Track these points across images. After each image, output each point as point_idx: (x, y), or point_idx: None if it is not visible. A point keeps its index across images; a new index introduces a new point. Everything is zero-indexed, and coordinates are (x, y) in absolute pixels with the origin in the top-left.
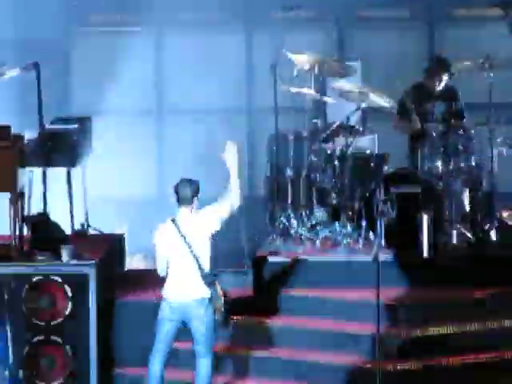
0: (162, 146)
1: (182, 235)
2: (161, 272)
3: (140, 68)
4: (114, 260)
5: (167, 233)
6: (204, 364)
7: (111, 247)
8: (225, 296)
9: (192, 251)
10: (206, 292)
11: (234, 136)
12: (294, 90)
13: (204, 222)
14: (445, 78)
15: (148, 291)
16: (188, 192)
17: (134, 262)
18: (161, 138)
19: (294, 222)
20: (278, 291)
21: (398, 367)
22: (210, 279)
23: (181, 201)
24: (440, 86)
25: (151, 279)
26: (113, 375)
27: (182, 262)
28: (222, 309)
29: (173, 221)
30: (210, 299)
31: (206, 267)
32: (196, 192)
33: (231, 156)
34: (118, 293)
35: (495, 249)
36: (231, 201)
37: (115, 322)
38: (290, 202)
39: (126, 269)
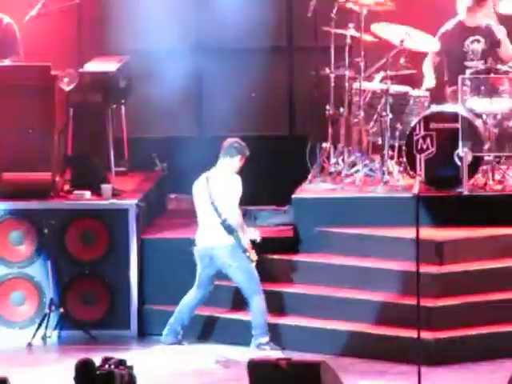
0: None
1: (208, 187)
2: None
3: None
4: (155, 199)
5: (199, 184)
6: (253, 303)
7: (152, 186)
8: (253, 242)
9: (213, 201)
10: (227, 239)
11: (275, 74)
12: (334, 30)
13: (229, 184)
14: (482, 14)
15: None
16: (231, 148)
17: (172, 201)
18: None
19: (333, 159)
20: (317, 229)
21: (439, 304)
22: (228, 226)
23: (223, 154)
24: (477, 23)
25: (191, 217)
26: (149, 311)
27: (205, 211)
28: (251, 254)
29: (206, 176)
30: (235, 245)
31: (228, 215)
32: (239, 152)
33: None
34: (159, 231)
35: None
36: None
37: (154, 260)
38: (329, 140)
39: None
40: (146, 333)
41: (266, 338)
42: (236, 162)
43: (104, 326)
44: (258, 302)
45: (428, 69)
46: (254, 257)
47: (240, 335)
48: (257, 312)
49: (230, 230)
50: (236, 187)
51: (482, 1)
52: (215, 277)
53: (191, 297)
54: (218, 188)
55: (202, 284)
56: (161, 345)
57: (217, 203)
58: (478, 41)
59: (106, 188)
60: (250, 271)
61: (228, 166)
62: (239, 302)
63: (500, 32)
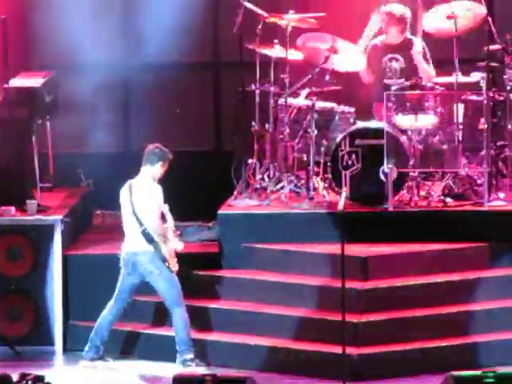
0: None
1: (130, 195)
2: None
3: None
4: (80, 215)
5: (123, 191)
6: (175, 315)
7: (77, 201)
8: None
9: (134, 208)
10: (148, 246)
11: (201, 90)
12: (259, 48)
13: (150, 194)
14: (397, 31)
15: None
16: (153, 154)
17: (98, 217)
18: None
19: (259, 176)
20: (243, 245)
21: (363, 319)
22: (148, 235)
23: (144, 161)
24: (397, 42)
25: (116, 233)
26: (72, 327)
27: (128, 218)
28: (170, 264)
29: (130, 181)
30: (156, 254)
31: (147, 224)
32: (160, 158)
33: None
34: (84, 247)
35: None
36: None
37: (79, 276)
38: (255, 156)
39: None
40: (71, 349)
41: (191, 355)
42: (158, 169)
43: (29, 342)
44: (179, 314)
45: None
46: (174, 267)
47: (164, 351)
48: (179, 325)
49: (149, 238)
50: (156, 196)
51: (399, 19)
52: (136, 288)
53: (109, 311)
54: (139, 196)
55: (121, 295)
56: (85, 361)
57: (137, 212)
58: (397, 59)
59: (31, 204)
60: (172, 281)
61: (149, 174)
62: (163, 317)
63: (417, 54)
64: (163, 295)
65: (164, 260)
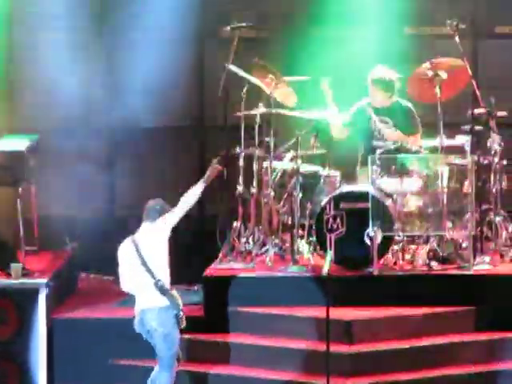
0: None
1: (137, 249)
2: (123, 287)
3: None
4: (65, 278)
5: (126, 249)
6: (162, 378)
7: (62, 265)
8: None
9: (146, 264)
10: (160, 301)
11: (186, 153)
12: (242, 112)
13: (158, 232)
14: (383, 95)
15: (99, 309)
16: (154, 210)
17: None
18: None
19: (243, 238)
20: (228, 309)
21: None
22: (162, 287)
23: (146, 216)
24: (384, 104)
25: (102, 296)
26: None
27: (138, 276)
28: (182, 317)
29: (131, 237)
30: (167, 309)
31: (160, 276)
32: (161, 212)
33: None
34: (69, 311)
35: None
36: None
37: (64, 340)
38: (240, 219)
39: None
40: None
41: None
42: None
43: None
44: (168, 379)
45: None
46: (184, 321)
47: None
48: None
49: (163, 290)
50: (165, 246)
51: (380, 84)
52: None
53: (155, 377)
54: (149, 248)
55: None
56: None
57: (149, 263)
58: (386, 122)
59: (15, 267)
60: (174, 341)
61: (152, 229)
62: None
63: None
64: (160, 354)
65: (179, 310)
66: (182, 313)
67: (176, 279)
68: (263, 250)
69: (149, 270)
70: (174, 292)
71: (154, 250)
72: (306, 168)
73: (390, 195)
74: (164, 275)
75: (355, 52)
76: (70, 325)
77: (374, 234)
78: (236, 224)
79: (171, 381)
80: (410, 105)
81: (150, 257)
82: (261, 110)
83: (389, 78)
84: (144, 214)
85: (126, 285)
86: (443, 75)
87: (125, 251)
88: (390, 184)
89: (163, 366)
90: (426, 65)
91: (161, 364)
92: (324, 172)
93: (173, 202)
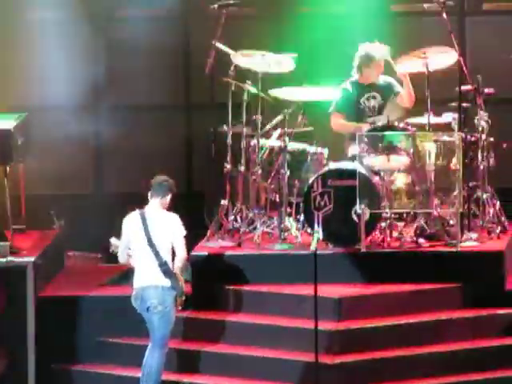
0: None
1: (144, 225)
2: (121, 259)
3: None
4: (53, 256)
5: (133, 222)
6: (154, 356)
7: (50, 243)
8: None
9: (151, 241)
10: (163, 281)
11: (173, 132)
12: (233, 84)
13: (169, 224)
14: (373, 71)
15: (86, 287)
16: (163, 186)
17: (70, 258)
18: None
19: (231, 217)
20: (217, 287)
21: (337, 361)
22: (167, 269)
23: (154, 192)
24: (372, 80)
25: (89, 274)
26: (54, 371)
27: (143, 251)
28: (183, 299)
29: (140, 211)
30: (169, 289)
31: (165, 257)
32: (170, 189)
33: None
34: (57, 289)
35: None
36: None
37: (52, 317)
38: (227, 197)
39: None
40: None
41: None
42: (167, 200)
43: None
44: (161, 356)
45: (341, 124)
46: (183, 304)
47: None
48: (156, 367)
49: (168, 271)
50: (181, 227)
51: (369, 60)
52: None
53: (150, 355)
54: (159, 228)
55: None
56: None
57: (156, 245)
58: (374, 97)
59: (3, 246)
60: (171, 321)
61: (161, 205)
62: (132, 359)
63: (397, 86)
64: (155, 331)
65: (181, 293)
66: (183, 295)
67: None
68: (251, 227)
69: (154, 250)
70: (179, 275)
71: (163, 231)
72: (294, 146)
73: (377, 173)
74: (169, 256)
75: (342, 29)
76: (57, 303)
77: (361, 211)
78: (224, 202)
79: (162, 359)
80: (394, 81)
81: (157, 236)
82: (248, 87)
83: (378, 55)
84: (152, 190)
85: (124, 258)
86: (431, 53)
87: (130, 224)
88: (377, 161)
89: (157, 343)
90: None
91: (154, 342)
92: (311, 150)
93: None
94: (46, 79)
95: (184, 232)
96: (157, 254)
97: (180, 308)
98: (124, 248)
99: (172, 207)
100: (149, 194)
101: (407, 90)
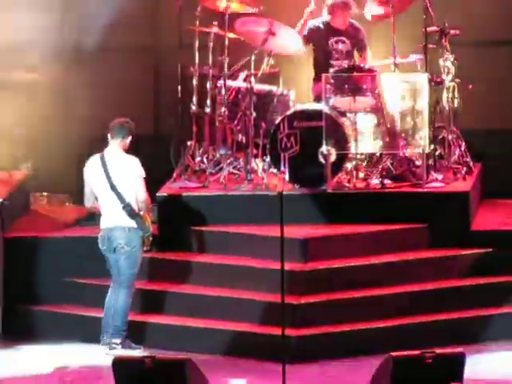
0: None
1: (105, 168)
2: (86, 202)
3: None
4: (20, 197)
5: (93, 166)
6: (120, 295)
7: (17, 185)
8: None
9: (112, 183)
10: (129, 222)
11: (140, 73)
12: (198, 28)
13: (129, 166)
14: (346, 18)
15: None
16: (123, 128)
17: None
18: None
19: (198, 158)
20: (183, 227)
21: (302, 301)
22: (130, 210)
23: (114, 134)
24: (343, 25)
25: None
26: (18, 311)
27: (106, 194)
28: (150, 239)
29: (100, 155)
30: (136, 230)
31: (128, 198)
32: (130, 131)
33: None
34: (24, 229)
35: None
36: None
37: (19, 259)
38: (194, 138)
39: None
40: (11, 331)
41: (119, 340)
42: (127, 142)
43: None
44: (127, 296)
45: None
46: (149, 244)
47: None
48: (122, 307)
49: (132, 213)
50: (139, 168)
51: (345, 5)
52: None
53: (113, 294)
54: (120, 170)
55: (114, 277)
56: (25, 345)
57: (118, 187)
58: (343, 42)
59: None
60: (137, 261)
61: (121, 147)
62: (98, 299)
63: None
64: (121, 271)
65: (148, 233)
66: (150, 236)
67: None
68: (217, 168)
69: (117, 192)
70: (145, 214)
71: (123, 173)
72: (260, 87)
73: (343, 114)
74: (133, 198)
75: None
76: (23, 244)
77: (327, 152)
78: (190, 143)
79: (129, 299)
80: (363, 33)
81: (118, 178)
82: (215, 29)
83: (350, 2)
84: (111, 132)
85: (90, 202)
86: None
87: (92, 169)
88: (343, 102)
89: (122, 284)
90: None
91: (120, 282)
92: (278, 91)
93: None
94: (10, 20)
95: (143, 174)
96: (120, 196)
97: (146, 248)
98: (89, 193)
99: (138, 149)
100: (108, 136)
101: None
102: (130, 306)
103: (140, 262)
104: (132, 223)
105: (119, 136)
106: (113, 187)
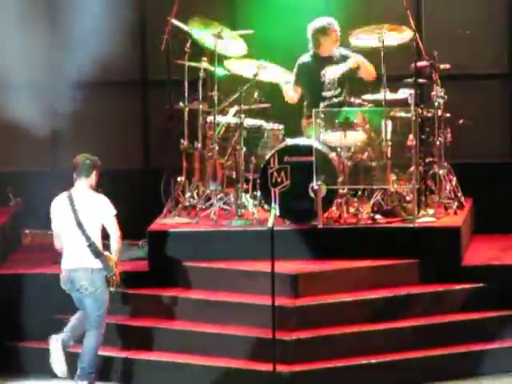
0: None
1: (72, 205)
2: (56, 245)
3: None
4: (9, 234)
5: (61, 203)
6: (89, 336)
7: (6, 220)
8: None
9: (79, 222)
10: (92, 262)
11: (129, 108)
12: (187, 63)
13: (100, 206)
14: (331, 39)
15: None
16: (86, 165)
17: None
18: None
19: (188, 193)
20: (174, 263)
21: (294, 337)
22: (95, 249)
23: (78, 173)
24: (330, 53)
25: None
26: (7, 348)
27: (71, 232)
28: (115, 279)
29: (67, 193)
30: (99, 270)
31: (94, 238)
32: (94, 166)
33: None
34: (13, 267)
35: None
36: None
37: (8, 296)
38: (184, 173)
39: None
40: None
41: (85, 383)
42: (93, 179)
43: None
44: (96, 337)
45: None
46: (115, 283)
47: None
48: (92, 347)
49: (97, 252)
50: (111, 207)
51: (324, 29)
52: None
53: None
54: (86, 209)
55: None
56: (13, 382)
57: (85, 225)
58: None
59: None
60: (104, 302)
61: (87, 185)
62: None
63: (357, 56)
64: (88, 312)
65: (112, 273)
66: (114, 275)
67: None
68: (208, 204)
69: (83, 231)
70: (108, 254)
71: (91, 211)
72: (250, 122)
73: (334, 149)
74: (97, 237)
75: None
76: (14, 281)
77: (318, 187)
78: (180, 179)
79: (98, 340)
80: (351, 53)
81: (85, 217)
82: (204, 64)
83: (333, 22)
84: (76, 171)
85: (58, 242)
86: (386, 29)
87: (59, 207)
88: (333, 137)
89: (91, 325)
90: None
91: (89, 323)
92: (268, 126)
93: (114, 158)
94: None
95: (114, 211)
96: (85, 234)
97: (113, 288)
98: (56, 233)
99: (128, 184)
100: (74, 176)
101: (366, 70)
102: (99, 346)
103: (107, 302)
104: (96, 263)
105: (83, 175)
106: (79, 224)
